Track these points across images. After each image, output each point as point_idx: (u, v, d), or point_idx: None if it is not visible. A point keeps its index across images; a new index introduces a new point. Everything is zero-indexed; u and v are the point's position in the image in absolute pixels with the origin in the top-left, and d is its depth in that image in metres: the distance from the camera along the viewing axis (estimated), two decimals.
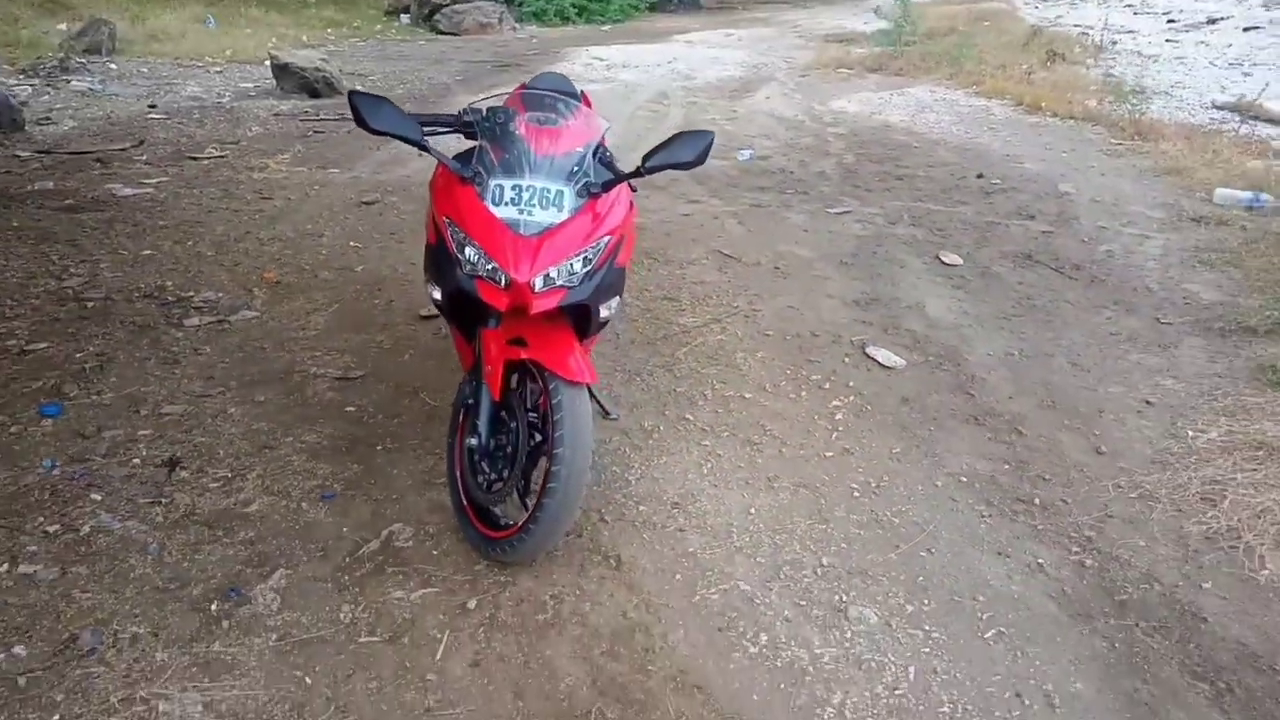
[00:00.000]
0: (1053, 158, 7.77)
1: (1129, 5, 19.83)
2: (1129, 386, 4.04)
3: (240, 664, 2.47)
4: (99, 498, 3.13)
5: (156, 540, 2.93)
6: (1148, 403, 3.89)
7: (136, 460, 3.34)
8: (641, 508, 3.15)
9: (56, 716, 2.30)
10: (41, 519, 3.01)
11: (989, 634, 2.64)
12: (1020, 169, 7.44)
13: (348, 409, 3.73)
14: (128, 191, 6.33)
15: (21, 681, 2.39)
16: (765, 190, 6.94)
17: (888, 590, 2.80)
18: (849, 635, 2.62)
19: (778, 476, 3.36)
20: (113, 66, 11.00)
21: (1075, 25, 15.89)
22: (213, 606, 2.66)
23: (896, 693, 2.43)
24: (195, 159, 7.30)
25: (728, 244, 5.73)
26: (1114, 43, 13.43)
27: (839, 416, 3.78)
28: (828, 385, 4.03)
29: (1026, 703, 2.41)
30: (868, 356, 4.28)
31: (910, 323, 4.65)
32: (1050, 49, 11.81)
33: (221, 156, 7.43)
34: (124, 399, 3.74)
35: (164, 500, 3.12)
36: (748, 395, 3.93)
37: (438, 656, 2.51)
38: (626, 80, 11.69)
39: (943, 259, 5.49)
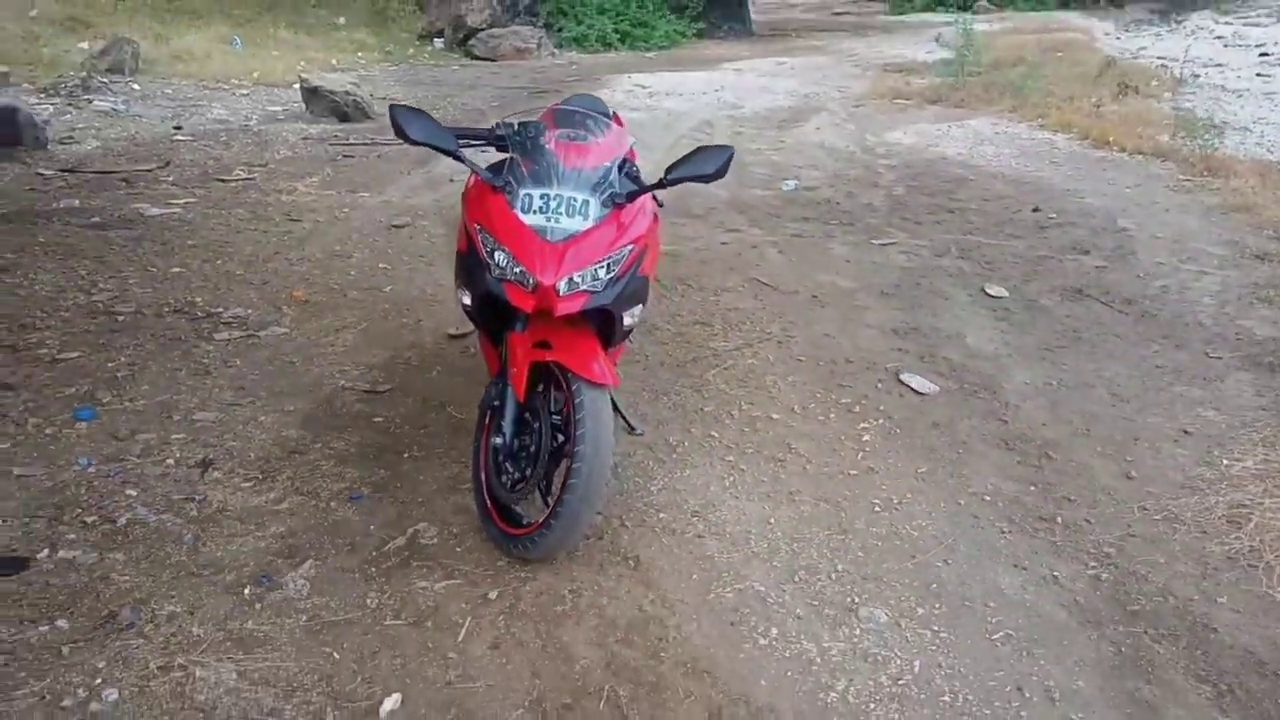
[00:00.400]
0: (1115, 193, 8.12)
1: (1219, 37, 20.22)
2: (1169, 417, 4.36)
3: (272, 640, 2.87)
4: (134, 493, 3.57)
5: (191, 532, 3.35)
6: (1185, 432, 4.21)
7: (170, 461, 3.79)
8: (662, 515, 3.53)
9: (99, 680, 2.70)
10: (79, 511, 3.45)
11: (997, 635, 2.98)
12: (1079, 204, 7.80)
13: (375, 419, 4.16)
14: (155, 211, 6.88)
15: (65, 650, 2.80)
16: (809, 221, 7.36)
17: (900, 594, 3.15)
18: (858, 632, 2.97)
19: (799, 491, 3.72)
20: (135, 87, 11.69)
21: (1158, 58, 16.30)
22: (246, 591, 3.07)
23: (900, 682, 2.77)
24: (223, 181, 7.87)
25: (766, 273, 6.14)
26: (1196, 76, 13.78)
27: (866, 438, 4.14)
28: (857, 409, 4.40)
29: (1027, 696, 2.74)
30: (901, 383, 4.64)
31: (948, 352, 5.01)
32: (1123, 81, 12.18)
33: (249, 179, 8.01)
34: (156, 405, 4.20)
35: (197, 497, 3.56)
36: (775, 416, 4.30)
37: (459, 639, 2.89)
38: (670, 108, 12.22)
39: (988, 291, 5.86)
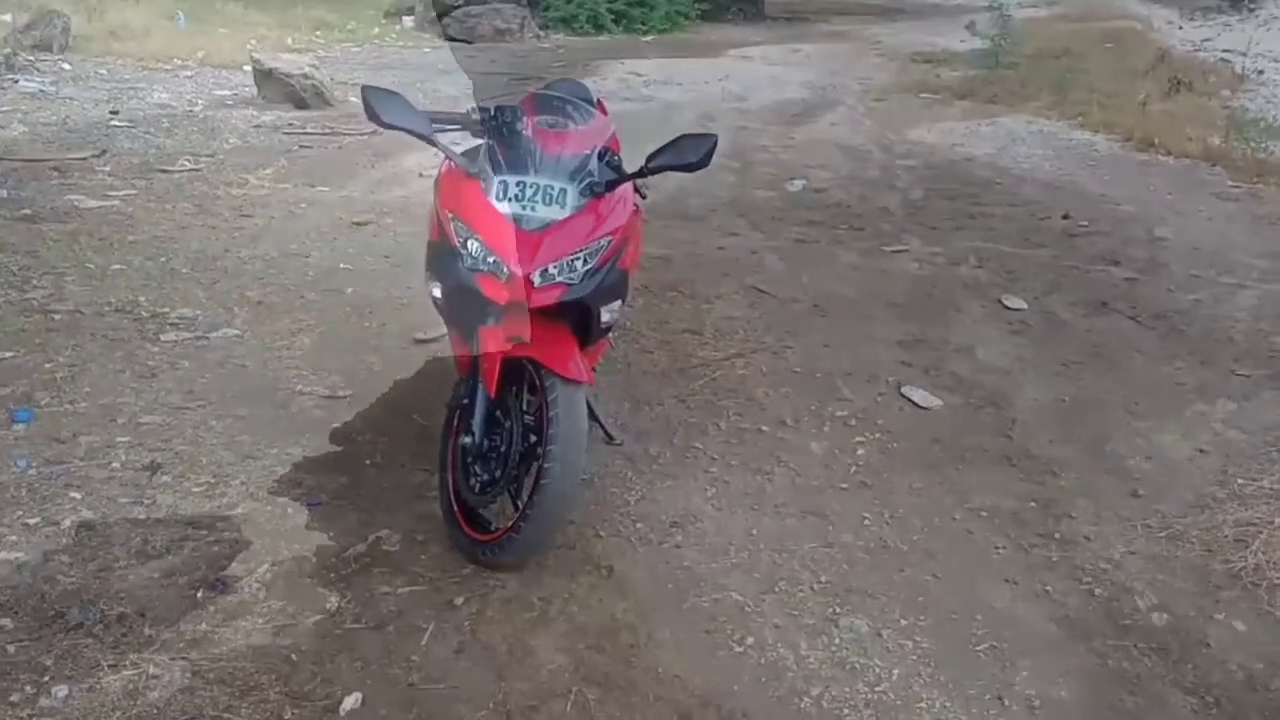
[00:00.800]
0: (1155, 199, 8.55)
1: None
2: (1186, 436, 4.73)
3: (227, 642, 3.21)
4: (78, 496, 3.91)
5: (140, 535, 3.69)
6: (1201, 451, 4.58)
7: (115, 464, 4.13)
8: (639, 525, 3.89)
9: (47, 678, 3.02)
10: (20, 513, 3.79)
11: (981, 647, 3.33)
12: (1114, 211, 8.22)
13: (334, 425, 4.51)
14: (92, 204, 7.24)
15: (11, 649, 3.13)
16: (815, 225, 7.77)
17: (884, 606, 3.51)
18: (837, 642, 3.33)
19: (786, 504, 4.09)
20: (66, 66, 12.08)
21: (1222, 51, 16.77)
22: (199, 594, 3.41)
23: (877, 689, 3.13)
24: (166, 172, 8.24)
25: (764, 279, 6.53)
26: (1260, 72, 14.25)
27: (861, 452, 4.51)
28: (854, 423, 4.77)
29: (1007, 704, 3.09)
30: (903, 396, 5.02)
31: (956, 366, 5.39)
32: (1175, 77, 12.62)
33: (195, 170, 8.38)
34: (99, 408, 4.54)
35: (146, 501, 3.90)
36: (764, 429, 4.67)
37: (423, 643, 3.23)
38: (667, 100, 12.66)
39: (1005, 303, 6.25)
